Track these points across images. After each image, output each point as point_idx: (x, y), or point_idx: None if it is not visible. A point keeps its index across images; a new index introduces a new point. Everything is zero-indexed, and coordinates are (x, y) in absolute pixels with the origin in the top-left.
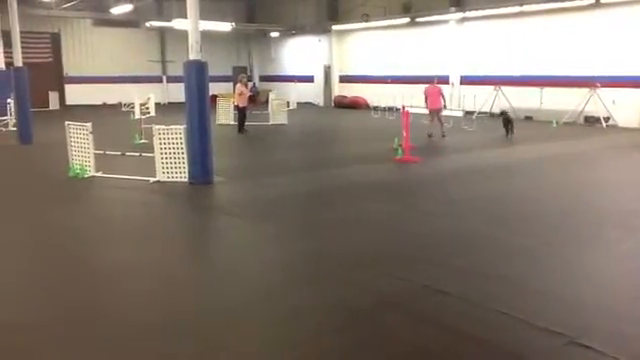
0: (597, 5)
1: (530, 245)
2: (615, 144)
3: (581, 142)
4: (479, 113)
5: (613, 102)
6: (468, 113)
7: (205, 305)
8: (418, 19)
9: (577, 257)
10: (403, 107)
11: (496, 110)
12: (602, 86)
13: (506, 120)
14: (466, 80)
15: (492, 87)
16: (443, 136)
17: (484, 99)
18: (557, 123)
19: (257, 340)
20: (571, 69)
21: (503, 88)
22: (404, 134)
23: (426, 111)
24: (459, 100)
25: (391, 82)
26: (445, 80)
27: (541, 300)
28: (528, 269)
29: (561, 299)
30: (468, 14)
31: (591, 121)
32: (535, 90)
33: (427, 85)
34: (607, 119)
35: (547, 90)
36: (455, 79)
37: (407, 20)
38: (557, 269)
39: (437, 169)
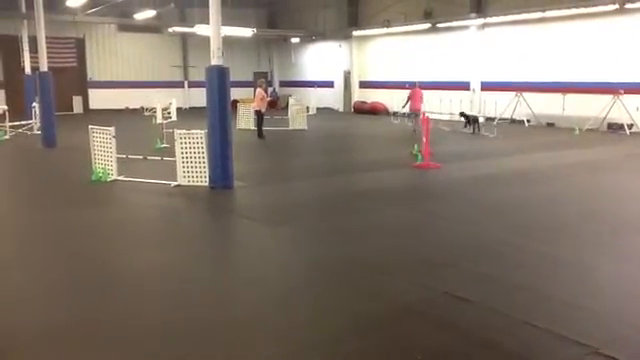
0: (621, 11)
1: (551, 252)
2: (638, 151)
3: (604, 149)
4: (500, 119)
5: (637, 109)
6: (489, 119)
7: (225, 308)
8: (439, 25)
9: (599, 265)
10: (423, 113)
11: (516, 117)
12: (626, 93)
13: (466, 118)
14: (487, 86)
15: (513, 93)
16: (414, 131)
17: (505, 105)
18: (580, 130)
19: (276, 343)
20: (594, 75)
21: (524, 94)
22: (424, 140)
23: (445, 117)
24: (480, 106)
25: (409, 88)
26: (466, 86)
27: (563, 308)
28: (549, 277)
29: (584, 308)
30: (489, 20)
31: (614, 128)
32: (557, 96)
33: (410, 90)
34: (631, 126)
35: (569, 96)
36: (476, 85)
37: (428, 26)
38: (579, 277)
39: (457, 175)
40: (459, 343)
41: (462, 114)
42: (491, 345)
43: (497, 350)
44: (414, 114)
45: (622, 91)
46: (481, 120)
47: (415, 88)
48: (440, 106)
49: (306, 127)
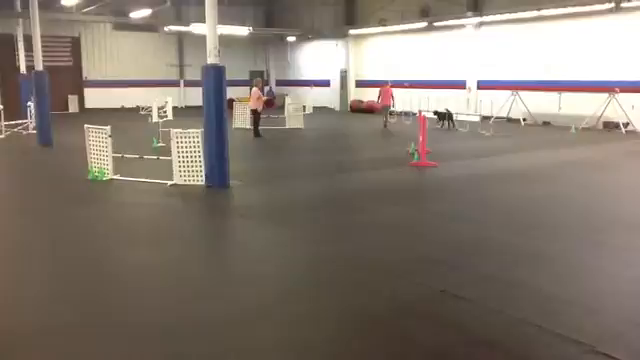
0: (617, 9)
1: (549, 250)
2: (634, 150)
3: (600, 147)
4: (496, 118)
5: (632, 107)
6: (485, 118)
7: (222, 307)
8: (435, 24)
9: (597, 263)
10: (420, 112)
11: (513, 116)
12: (621, 91)
13: (441, 115)
14: (483, 85)
15: (509, 92)
16: (385, 126)
17: (501, 104)
18: (576, 129)
19: (272, 343)
20: (590, 74)
21: (521, 93)
22: (420, 139)
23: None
24: (476, 105)
25: (408, 87)
26: (462, 85)
27: (560, 307)
28: (547, 275)
29: (580, 306)
30: (485, 18)
31: (610, 127)
32: (553, 95)
33: (381, 87)
34: (626, 124)
35: (565, 95)
36: (472, 84)
37: (424, 25)
38: (577, 275)
39: (454, 174)
40: (457, 341)
41: (435, 112)
42: (489, 343)
43: (495, 348)
44: (385, 109)
45: (618, 90)
46: (477, 119)
47: (386, 86)
48: (437, 105)
49: (302, 126)
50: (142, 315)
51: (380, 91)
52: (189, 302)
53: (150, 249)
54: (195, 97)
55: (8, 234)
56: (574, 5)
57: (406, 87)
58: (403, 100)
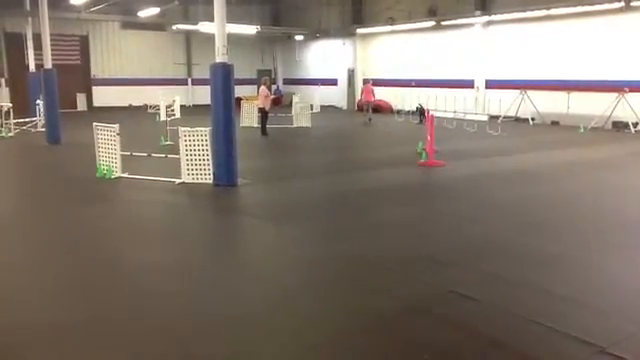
0: (627, 8)
1: (559, 251)
2: None
3: (609, 147)
4: (504, 117)
5: None
6: (493, 117)
7: (229, 305)
8: (443, 23)
9: (607, 264)
10: (427, 111)
11: (521, 115)
12: (631, 91)
13: (421, 111)
14: (491, 84)
15: (518, 91)
16: (369, 120)
17: (509, 103)
18: (584, 128)
19: (282, 341)
20: (599, 73)
21: (529, 92)
22: (428, 138)
23: (449, 115)
24: (484, 104)
25: (415, 86)
26: (470, 84)
27: (570, 308)
28: (556, 275)
29: (591, 307)
30: (494, 17)
31: (619, 126)
32: (562, 95)
33: (363, 85)
34: (636, 124)
35: (574, 95)
36: (480, 83)
37: (432, 23)
38: (586, 275)
39: (462, 173)
40: (465, 342)
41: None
42: (498, 344)
43: (504, 349)
44: (367, 105)
45: (627, 89)
46: (486, 118)
47: (367, 85)
48: (445, 104)
49: (310, 125)
50: (150, 314)
51: (362, 89)
52: (197, 301)
53: (158, 248)
54: (203, 96)
55: (17, 232)
56: (583, 4)
57: (413, 86)
58: (411, 99)
